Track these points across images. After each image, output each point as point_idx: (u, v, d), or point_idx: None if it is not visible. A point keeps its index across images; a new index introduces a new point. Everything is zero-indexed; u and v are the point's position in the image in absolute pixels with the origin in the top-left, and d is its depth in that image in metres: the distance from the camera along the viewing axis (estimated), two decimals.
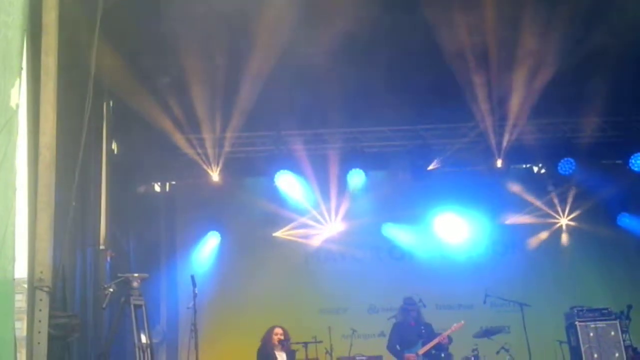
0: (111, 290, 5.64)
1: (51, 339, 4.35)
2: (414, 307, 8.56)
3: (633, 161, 10.32)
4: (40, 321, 4.24)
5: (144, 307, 5.65)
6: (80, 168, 5.10)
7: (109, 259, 7.43)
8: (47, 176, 4.48)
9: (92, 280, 6.83)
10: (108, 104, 7.78)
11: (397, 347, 8.48)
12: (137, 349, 5.46)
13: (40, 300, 4.27)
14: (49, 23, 4.67)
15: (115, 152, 8.38)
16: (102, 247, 7.18)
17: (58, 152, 4.63)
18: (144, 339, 5.60)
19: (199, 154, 9.86)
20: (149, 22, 6.75)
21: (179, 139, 9.56)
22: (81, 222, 6.52)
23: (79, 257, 6.50)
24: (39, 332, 4.22)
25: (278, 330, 7.83)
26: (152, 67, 7.77)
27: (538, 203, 10.76)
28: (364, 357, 8.78)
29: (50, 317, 4.33)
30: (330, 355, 8.90)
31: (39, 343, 4.21)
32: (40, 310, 4.26)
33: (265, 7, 6.68)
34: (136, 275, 5.78)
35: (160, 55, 7.52)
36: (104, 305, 5.73)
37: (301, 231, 10.93)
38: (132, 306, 5.59)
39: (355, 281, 10.71)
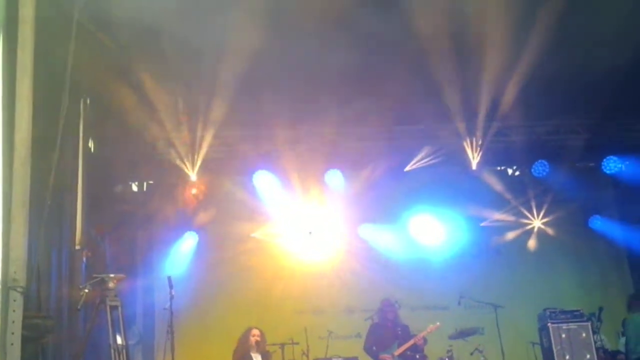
0: (87, 290, 5.56)
1: (25, 340, 4.28)
2: (392, 308, 8.61)
3: (606, 164, 10.54)
4: (13, 322, 4.16)
5: (119, 308, 5.58)
6: (56, 166, 5.04)
7: (84, 259, 7.34)
8: (22, 174, 4.40)
9: (68, 281, 6.73)
10: (85, 102, 7.68)
11: (374, 348, 8.51)
12: (112, 350, 5.39)
13: (14, 300, 4.19)
14: (25, 18, 4.60)
15: (92, 150, 8.27)
16: (77, 247, 7.09)
17: (33, 149, 4.56)
18: (119, 340, 5.53)
19: (177, 154, 9.80)
20: (128, 18, 6.68)
21: (157, 138, 9.50)
22: (57, 222, 6.42)
23: (54, 257, 6.40)
24: (12, 333, 4.15)
25: (255, 332, 7.81)
26: (130, 65, 7.68)
27: (512, 205, 10.91)
28: (340, 358, 8.79)
29: (24, 318, 4.26)
30: (307, 356, 8.90)
31: (12, 344, 4.13)
32: (13, 311, 4.18)
33: (243, 6, 6.68)
34: (112, 275, 5.71)
35: (139, 52, 7.45)
36: (79, 306, 5.66)
37: (279, 231, 10.91)
38: (107, 307, 5.52)
39: (332, 282, 10.75)
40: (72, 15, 5.26)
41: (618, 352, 8.97)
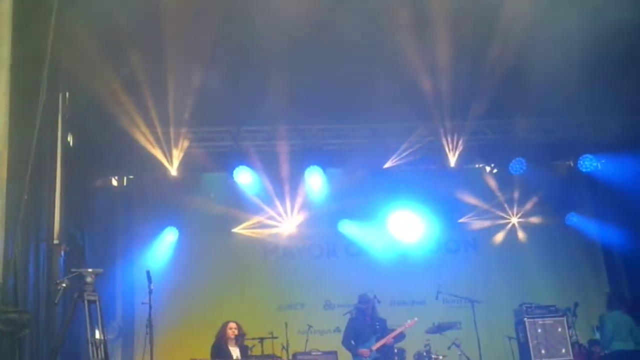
0: (64, 285, 5.53)
1: (1, 334, 4.28)
2: (368, 304, 8.66)
3: (581, 162, 10.70)
4: None
5: (97, 303, 5.56)
6: (34, 160, 5.01)
7: (62, 253, 7.29)
8: None
9: (45, 275, 6.69)
10: (64, 95, 7.61)
11: (352, 342, 8.56)
12: (90, 345, 5.38)
13: None
14: (2, 12, 4.59)
15: (71, 144, 8.22)
16: (56, 241, 7.03)
17: (11, 143, 4.55)
18: (97, 334, 5.52)
19: (157, 149, 9.79)
20: (107, 12, 6.67)
21: (138, 133, 9.45)
22: (34, 216, 6.37)
23: (32, 252, 6.35)
24: None
25: (232, 325, 7.83)
26: (110, 59, 7.65)
27: (490, 202, 11.05)
28: (319, 353, 8.85)
29: (1, 312, 4.26)
30: (287, 350, 8.94)
31: None
32: None
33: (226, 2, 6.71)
34: (90, 270, 5.68)
35: (119, 47, 7.43)
36: (56, 301, 5.64)
37: (259, 227, 10.96)
38: (85, 302, 5.51)
39: (311, 277, 10.82)
40: (51, 8, 5.23)
41: (594, 341, 9.15)
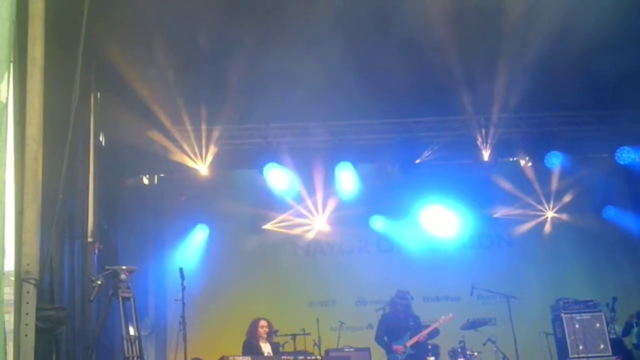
0: (99, 282, 5.61)
1: (38, 331, 4.32)
2: (406, 301, 8.59)
3: (619, 154, 10.45)
4: (27, 314, 4.21)
5: (132, 300, 5.63)
6: (68, 160, 5.06)
7: (96, 251, 7.39)
8: (34, 168, 4.43)
9: (80, 273, 6.79)
10: (96, 96, 7.72)
11: (385, 338, 8.52)
12: (125, 342, 5.44)
13: (28, 292, 4.24)
14: (35, 13, 4.62)
15: (103, 144, 8.33)
16: (90, 239, 7.14)
17: (45, 143, 4.59)
18: (132, 331, 5.57)
19: (187, 147, 9.84)
20: (137, 13, 6.71)
21: (168, 132, 9.53)
22: (69, 215, 6.47)
23: (67, 250, 6.46)
24: (26, 325, 4.20)
25: (263, 323, 7.85)
26: (141, 59, 7.71)
27: (525, 196, 10.84)
28: (352, 349, 8.82)
29: (38, 309, 4.30)
30: (319, 347, 8.93)
31: (26, 335, 4.18)
32: (27, 302, 4.22)
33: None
34: (124, 267, 5.74)
35: (149, 47, 7.48)
36: (91, 298, 5.71)
37: (290, 224, 10.95)
38: (120, 299, 5.56)
39: (343, 274, 10.77)
40: (83, 10, 5.27)
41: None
